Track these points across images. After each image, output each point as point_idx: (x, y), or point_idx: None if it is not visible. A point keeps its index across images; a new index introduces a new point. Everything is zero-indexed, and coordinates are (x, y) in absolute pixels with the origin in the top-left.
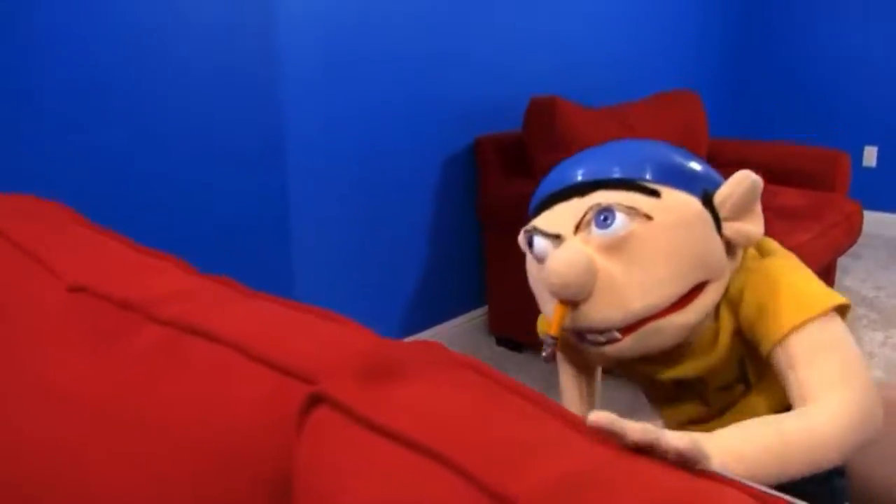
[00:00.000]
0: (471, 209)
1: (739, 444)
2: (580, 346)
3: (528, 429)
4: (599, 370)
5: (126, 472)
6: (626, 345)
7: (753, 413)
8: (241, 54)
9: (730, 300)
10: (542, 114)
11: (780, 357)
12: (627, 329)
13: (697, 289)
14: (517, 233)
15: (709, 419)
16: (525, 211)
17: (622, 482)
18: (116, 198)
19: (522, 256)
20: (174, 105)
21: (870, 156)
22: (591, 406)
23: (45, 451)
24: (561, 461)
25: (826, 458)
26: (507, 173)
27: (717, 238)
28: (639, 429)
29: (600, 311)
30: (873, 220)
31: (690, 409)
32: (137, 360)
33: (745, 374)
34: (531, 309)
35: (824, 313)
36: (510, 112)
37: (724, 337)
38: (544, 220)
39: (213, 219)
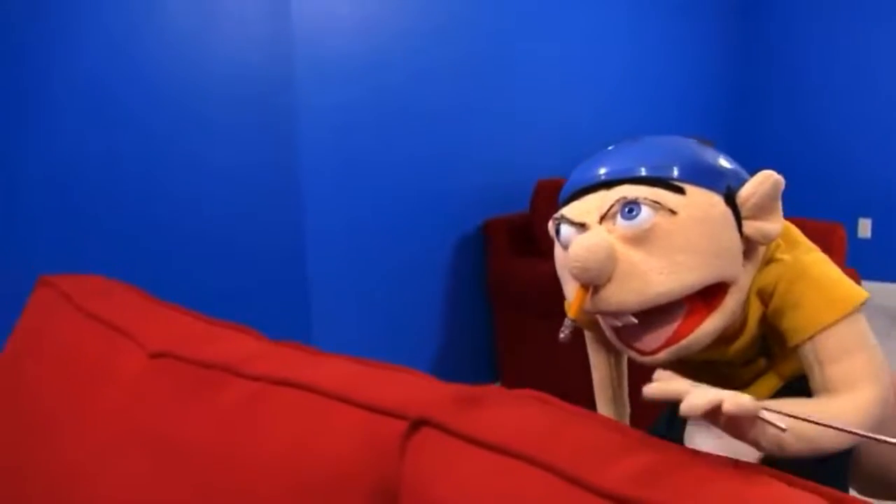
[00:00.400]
0: (481, 288)
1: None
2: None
3: (598, 436)
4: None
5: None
6: (661, 357)
7: (776, 381)
8: (265, 154)
9: (761, 290)
10: (548, 196)
11: (808, 351)
12: (663, 345)
13: (721, 292)
14: (526, 310)
15: (727, 385)
16: (533, 289)
17: (690, 476)
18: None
19: (533, 332)
20: (196, 205)
21: (864, 227)
22: (621, 385)
23: (155, 496)
24: (635, 459)
25: (846, 443)
26: (515, 253)
27: (737, 235)
28: (699, 394)
29: (617, 296)
30: (871, 289)
31: (715, 385)
32: (232, 410)
33: (767, 348)
34: (544, 382)
35: (853, 312)
36: (517, 194)
37: (752, 323)
38: (571, 210)
39: (237, 309)
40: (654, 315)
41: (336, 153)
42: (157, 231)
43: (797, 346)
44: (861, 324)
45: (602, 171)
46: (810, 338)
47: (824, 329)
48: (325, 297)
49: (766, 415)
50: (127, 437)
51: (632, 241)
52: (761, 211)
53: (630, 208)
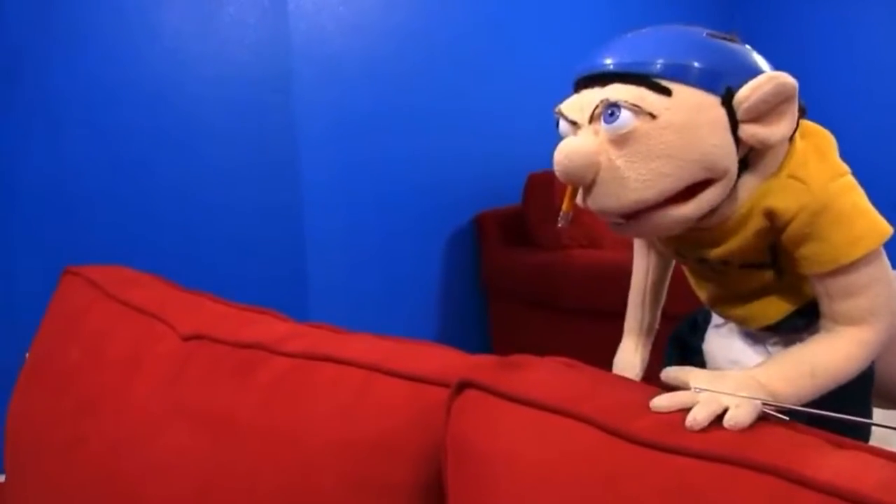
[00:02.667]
0: (475, 281)
1: (782, 373)
2: None
3: (628, 392)
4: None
5: (280, 473)
6: (629, 228)
7: (786, 307)
8: (262, 151)
9: (773, 211)
10: (540, 189)
11: (821, 282)
12: (628, 216)
13: (700, 186)
14: (520, 301)
15: (734, 301)
16: (526, 280)
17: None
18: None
19: (527, 323)
20: (194, 201)
21: None
22: (655, 295)
23: (201, 466)
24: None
25: (852, 374)
26: (508, 245)
27: (729, 139)
28: (701, 409)
29: (600, 199)
30: None
31: (713, 288)
32: (272, 386)
33: (776, 260)
34: None
35: (875, 249)
36: (509, 188)
37: (748, 233)
38: (567, 105)
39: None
40: (629, 215)
41: (331, 149)
42: (157, 227)
43: (811, 277)
44: (879, 259)
45: (600, 60)
46: (826, 272)
47: (841, 267)
48: (321, 291)
49: (769, 410)
50: (168, 415)
51: (615, 143)
52: (758, 115)
53: (611, 111)
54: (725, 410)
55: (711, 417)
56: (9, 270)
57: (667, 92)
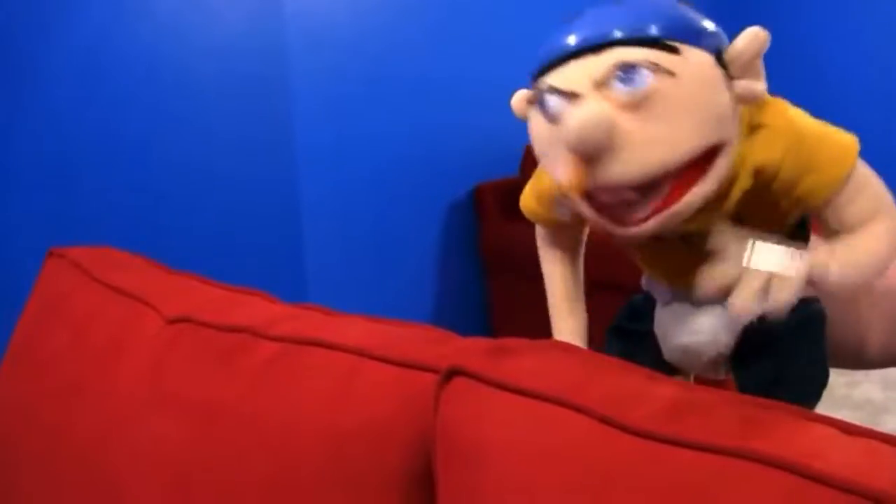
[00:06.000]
0: (474, 253)
1: (847, 257)
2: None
3: (623, 379)
4: (582, 251)
5: (266, 461)
6: (649, 227)
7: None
8: (258, 123)
9: (762, 167)
10: (538, 161)
11: (823, 211)
12: (652, 213)
13: (712, 153)
14: (519, 273)
15: (698, 265)
16: (525, 252)
17: (712, 409)
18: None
19: (526, 295)
20: (190, 176)
21: None
22: (579, 295)
23: (184, 454)
24: (659, 397)
25: (888, 261)
26: (506, 217)
27: (730, 95)
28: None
29: (619, 168)
30: None
31: (676, 260)
32: (258, 371)
33: (738, 216)
34: None
35: (856, 157)
36: (507, 159)
37: (735, 195)
38: (558, 78)
39: (231, 274)
40: (647, 185)
41: (327, 122)
42: (150, 204)
43: (813, 209)
44: (861, 162)
45: (585, 34)
46: (828, 198)
47: (844, 180)
48: (318, 265)
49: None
50: (152, 401)
51: (630, 107)
52: (750, 70)
53: (627, 73)
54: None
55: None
56: None
57: (676, 51)
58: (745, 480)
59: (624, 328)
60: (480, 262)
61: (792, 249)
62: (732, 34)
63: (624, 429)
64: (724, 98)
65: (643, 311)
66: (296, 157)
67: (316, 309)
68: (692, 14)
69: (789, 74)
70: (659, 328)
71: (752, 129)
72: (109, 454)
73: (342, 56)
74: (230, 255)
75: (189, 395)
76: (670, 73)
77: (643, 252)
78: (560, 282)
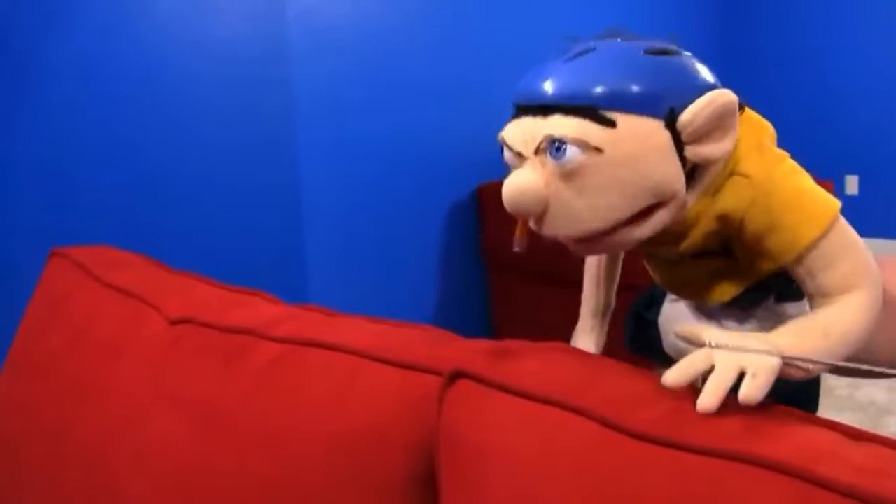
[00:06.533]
0: (476, 253)
1: (798, 342)
2: None
3: (626, 382)
4: (618, 266)
5: (268, 463)
6: (584, 249)
7: (734, 290)
8: (260, 125)
9: (726, 215)
10: None
11: (796, 267)
12: (583, 239)
13: (651, 209)
14: (521, 274)
15: (687, 285)
16: (528, 253)
17: (715, 413)
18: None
19: (528, 296)
20: (191, 177)
21: (852, 184)
22: (610, 276)
23: (186, 456)
24: (663, 401)
25: (861, 336)
26: (508, 217)
27: (676, 161)
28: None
29: (552, 228)
30: None
31: (666, 274)
32: (261, 372)
33: (726, 248)
34: None
35: (833, 222)
36: None
37: (696, 236)
38: (510, 134)
39: (233, 276)
40: (586, 238)
41: (330, 123)
42: (152, 205)
43: (786, 266)
44: (842, 228)
45: (540, 88)
46: (797, 258)
47: (810, 245)
48: (319, 265)
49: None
50: (154, 403)
51: (562, 176)
52: (703, 136)
53: (557, 146)
54: (740, 380)
55: (727, 388)
56: None
57: (611, 123)
58: (749, 485)
59: (640, 315)
60: (482, 262)
61: (757, 344)
62: (732, 34)
63: (626, 432)
64: (665, 166)
65: (659, 299)
66: (298, 157)
67: (317, 310)
68: (649, 73)
69: (790, 74)
70: (663, 321)
71: (732, 173)
72: (111, 454)
73: (344, 57)
74: (231, 256)
75: (191, 396)
76: (598, 150)
77: (647, 261)
78: (587, 298)
